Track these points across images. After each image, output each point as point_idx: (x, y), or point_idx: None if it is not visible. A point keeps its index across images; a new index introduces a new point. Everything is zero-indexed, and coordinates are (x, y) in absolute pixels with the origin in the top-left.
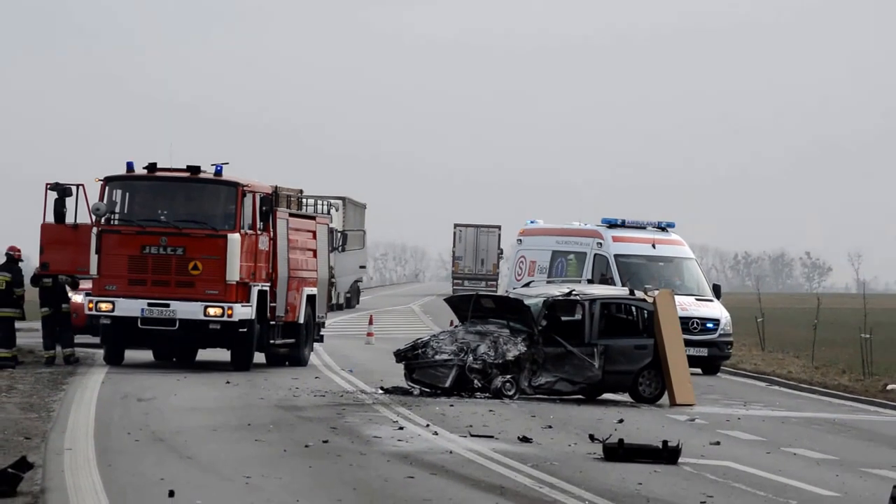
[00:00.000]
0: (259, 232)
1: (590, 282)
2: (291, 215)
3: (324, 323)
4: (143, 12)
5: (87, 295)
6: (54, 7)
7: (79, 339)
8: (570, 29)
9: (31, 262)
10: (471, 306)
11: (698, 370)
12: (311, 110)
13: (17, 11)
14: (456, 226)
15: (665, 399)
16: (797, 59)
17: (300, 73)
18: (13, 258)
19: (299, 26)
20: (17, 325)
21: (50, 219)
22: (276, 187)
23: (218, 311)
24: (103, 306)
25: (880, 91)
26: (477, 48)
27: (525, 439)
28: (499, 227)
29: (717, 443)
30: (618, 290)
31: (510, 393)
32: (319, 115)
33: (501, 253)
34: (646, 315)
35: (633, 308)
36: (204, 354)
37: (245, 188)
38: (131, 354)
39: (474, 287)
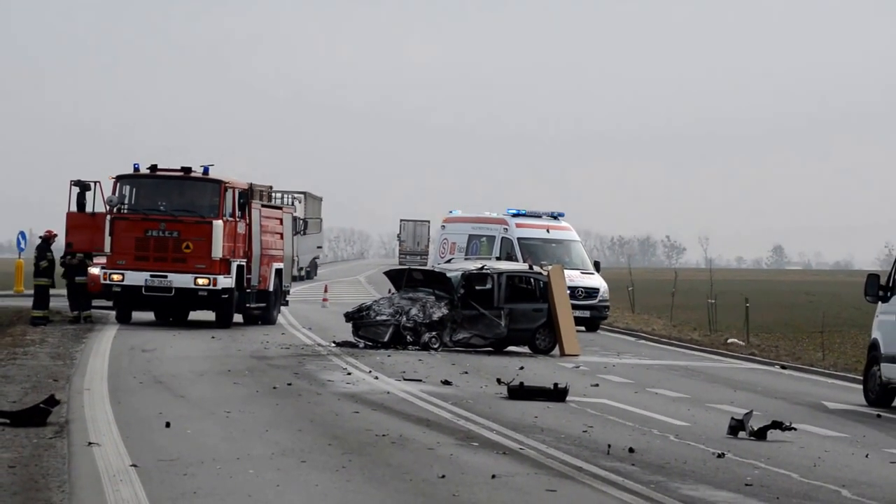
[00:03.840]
0: (237, 219)
1: (498, 259)
2: (263, 206)
3: (289, 291)
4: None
5: (102, 268)
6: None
7: (95, 302)
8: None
9: (58, 242)
10: (404, 278)
11: (582, 328)
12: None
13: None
14: (401, 220)
15: (556, 350)
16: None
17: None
18: (42, 237)
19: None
20: (52, 291)
21: (73, 208)
22: (251, 184)
23: (205, 281)
24: (115, 277)
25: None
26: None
27: (447, 382)
28: (429, 221)
29: (597, 385)
30: (520, 266)
31: (435, 346)
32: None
33: (430, 238)
34: (542, 285)
35: (532, 279)
36: (194, 315)
37: (227, 185)
38: (137, 315)
39: (413, 261)
